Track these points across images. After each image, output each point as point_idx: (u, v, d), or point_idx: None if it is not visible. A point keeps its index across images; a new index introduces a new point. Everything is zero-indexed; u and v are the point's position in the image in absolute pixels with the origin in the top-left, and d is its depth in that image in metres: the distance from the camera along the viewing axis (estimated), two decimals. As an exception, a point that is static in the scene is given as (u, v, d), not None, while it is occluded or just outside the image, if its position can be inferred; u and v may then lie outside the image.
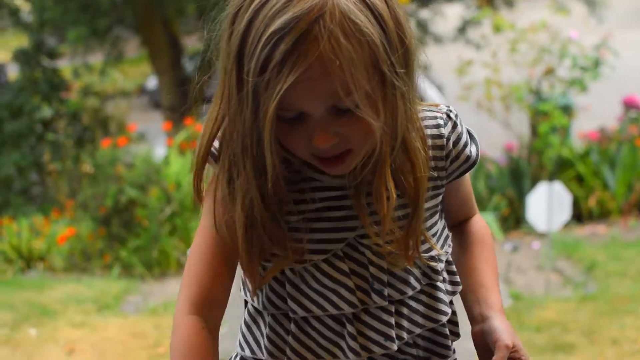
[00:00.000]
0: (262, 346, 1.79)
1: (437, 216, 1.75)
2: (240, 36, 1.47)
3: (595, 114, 10.27)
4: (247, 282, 1.71)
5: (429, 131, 1.68)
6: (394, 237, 1.62)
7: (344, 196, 1.67)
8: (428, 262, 1.70)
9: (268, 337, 1.78)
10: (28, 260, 8.34)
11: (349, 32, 1.42)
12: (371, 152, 1.55)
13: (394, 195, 1.56)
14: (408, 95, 1.55)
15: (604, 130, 9.45)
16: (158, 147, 10.56)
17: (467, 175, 1.80)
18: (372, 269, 1.69)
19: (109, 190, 8.11)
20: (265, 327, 1.79)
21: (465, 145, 1.72)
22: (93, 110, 11.82)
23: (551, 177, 8.63)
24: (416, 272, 1.73)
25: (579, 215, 8.42)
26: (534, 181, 8.78)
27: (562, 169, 8.92)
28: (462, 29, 14.83)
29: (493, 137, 9.43)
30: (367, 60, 1.44)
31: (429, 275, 1.74)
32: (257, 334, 1.82)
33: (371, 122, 1.47)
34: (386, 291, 1.70)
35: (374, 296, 1.69)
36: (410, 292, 1.73)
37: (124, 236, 8.05)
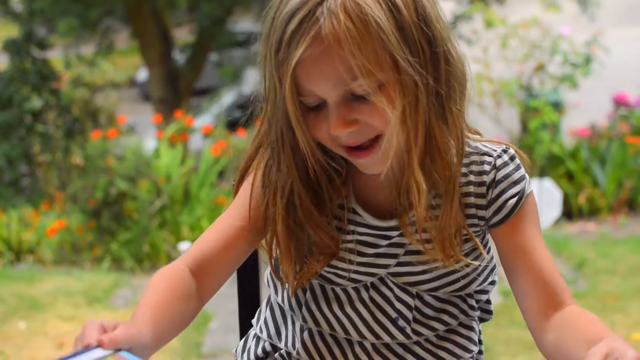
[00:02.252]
0: (283, 335, 1.81)
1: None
2: (267, 24, 1.54)
3: (585, 111, 10.28)
4: (286, 276, 1.69)
5: (472, 177, 1.65)
6: (430, 237, 1.61)
7: (382, 236, 1.67)
8: (467, 261, 1.64)
9: (292, 328, 1.80)
10: (17, 252, 8.31)
11: (352, 13, 1.44)
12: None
13: (424, 187, 1.54)
14: (436, 92, 1.53)
15: (594, 127, 9.46)
16: (148, 139, 10.55)
17: (523, 230, 1.65)
18: (397, 304, 1.69)
19: (98, 183, 8.09)
20: (290, 317, 1.82)
21: (504, 192, 1.65)
22: (83, 101, 11.78)
23: (541, 174, 8.65)
24: (451, 309, 1.72)
25: (569, 212, 8.43)
26: (524, 177, 8.78)
27: (552, 166, 8.92)
28: (453, 24, 14.80)
29: (483, 133, 9.39)
30: (374, 43, 1.45)
31: (465, 311, 1.74)
32: (280, 321, 1.84)
33: (386, 110, 1.47)
34: (409, 329, 1.70)
35: (394, 331, 1.70)
36: (442, 329, 1.73)
37: (114, 229, 8.03)
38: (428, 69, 1.51)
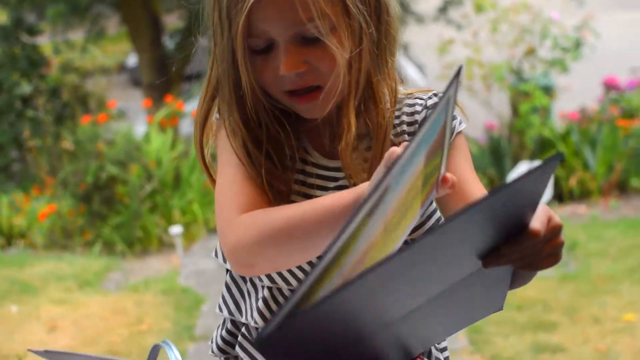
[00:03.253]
0: (243, 309, 1.81)
1: None
2: None
3: (576, 95, 10.29)
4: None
5: (405, 117, 1.73)
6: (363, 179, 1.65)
7: (330, 177, 1.71)
8: None
9: (249, 300, 1.80)
10: (8, 237, 8.31)
11: None
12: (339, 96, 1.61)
13: (354, 129, 1.61)
14: (377, 42, 1.63)
15: (584, 110, 9.47)
16: (138, 124, 10.54)
17: (457, 163, 1.70)
18: None
19: (89, 167, 8.08)
20: (245, 289, 1.82)
21: None
22: (73, 86, 11.74)
23: (532, 157, 8.66)
24: None
25: (560, 195, 8.44)
26: (515, 161, 8.80)
27: (542, 149, 8.94)
28: (443, 9, 14.78)
29: (473, 117, 9.39)
30: None
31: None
32: (237, 296, 1.84)
33: (335, 50, 1.54)
34: None
35: None
36: None
37: (105, 213, 8.03)
38: (372, 18, 1.60)
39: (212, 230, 8.10)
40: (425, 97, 1.75)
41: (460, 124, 1.73)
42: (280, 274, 1.72)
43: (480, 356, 4.91)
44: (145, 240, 7.87)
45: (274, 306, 1.76)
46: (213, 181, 1.75)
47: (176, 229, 7.31)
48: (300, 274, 1.72)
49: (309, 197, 1.67)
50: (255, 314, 1.77)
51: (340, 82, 1.57)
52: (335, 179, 1.70)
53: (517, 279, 1.49)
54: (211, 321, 5.65)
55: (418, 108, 1.73)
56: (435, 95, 1.75)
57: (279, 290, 1.75)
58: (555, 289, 5.86)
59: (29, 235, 8.29)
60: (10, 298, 6.26)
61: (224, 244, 1.56)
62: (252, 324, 1.78)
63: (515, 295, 5.71)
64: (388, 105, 1.67)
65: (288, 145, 1.67)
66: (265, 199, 1.62)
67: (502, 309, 1.56)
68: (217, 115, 1.73)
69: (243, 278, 1.83)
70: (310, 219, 1.45)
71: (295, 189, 1.69)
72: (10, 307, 6.07)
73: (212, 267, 6.95)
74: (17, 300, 6.21)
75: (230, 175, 1.65)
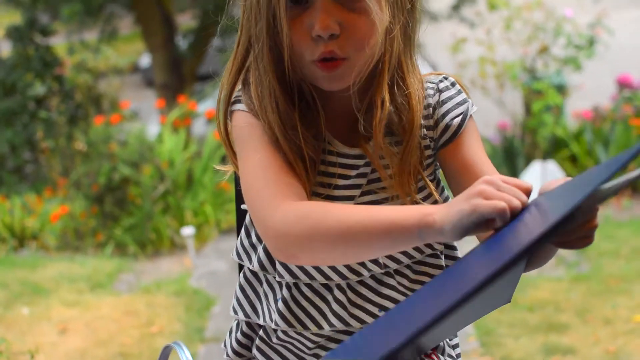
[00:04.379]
0: (259, 311, 1.80)
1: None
2: None
3: (589, 93, 10.26)
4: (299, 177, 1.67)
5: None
6: (392, 172, 1.67)
7: (351, 166, 1.70)
8: (421, 202, 1.71)
9: (266, 302, 1.80)
10: (21, 238, 8.33)
11: None
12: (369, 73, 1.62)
13: (388, 104, 1.63)
14: (409, 26, 1.66)
15: (597, 109, 9.43)
16: (151, 125, 10.54)
17: (469, 145, 1.75)
18: None
19: (102, 168, 8.09)
20: (262, 291, 1.81)
21: (449, 112, 1.74)
22: (86, 87, 11.76)
23: (545, 156, 8.63)
24: None
25: (572, 195, 8.39)
26: (528, 160, 8.78)
27: (555, 148, 8.91)
28: (456, 7, 14.75)
29: (487, 116, 9.40)
30: None
31: (431, 244, 1.75)
32: (253, 297, 1.84)
33: (375, 14, 1.55)
34: (381, 259, 1.72)
35: (370, 264, 1.71)
36: (406, 261, 1.74)
37: (117, 214, 8.04)
38: (411, 13, 1.66)
39: (224, 232, 8.09)
40: (436, 80, 1.76)
41: (472, 106, 1.76)
42: (302, 269, 1.72)
43: (491, 358, 4.89)
44: (157, 241, 7.87)
45: (294, 307, 1.76)
46: (235, 159, 1.73)
47: (188, 230, 7.31)
48: (326, 268, 1.71)
49: (329, 186, 1.69)
50: (275, 316, 1.76)
51: (372, 55, 1.58)
52: (357, 167, 1.70)
53: (535, 262, 1.53)
54: (222, 323, 5.65)
55: (430, 92, 1.74)
56: (446, 78, 1.76)
57: (299, 290, 1.75)
58: (566, 289, 5.83)
59: (41, 237, 8.31)
60: (22, 300, 6.27)
61: (267, 227, 1.52)
62: (273, 325, 1.77)
63: (527, 297, 5.69)
64: (420, 95, 1.69)
65: (315, 112, 1.67)
66: (302, 184, 1.61)
67: (510, 302, 1.56)
68: (236, 104, 1.71)
69: (258, 279, 1.83)
70: (374, 230, 1.40)
71: (317, 180, 1.69)
72: (21, 308, 6.08)
73: (223, 268, 6.94)
74: (29, 301, 6.22)
75: (264, 159, 1.62)
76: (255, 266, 1.78)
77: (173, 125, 8.96)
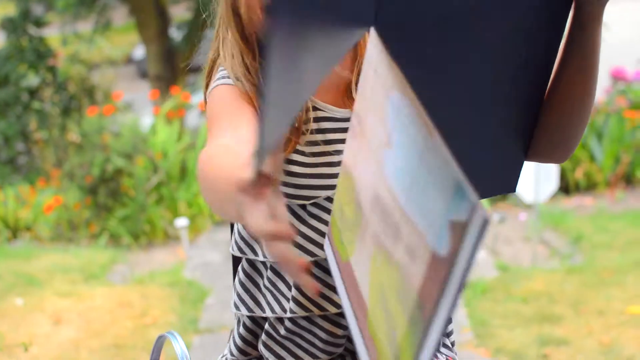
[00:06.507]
0: (263, 303, 1.79)
1: None
2: None
3: (583, 86, 10.24)
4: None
5: None
6: None
7: (345, 129, 1.66)
8: None
9: (270, 293, 1.78)
10: (14, 229, 8.32)
11: None
12: None
13: None
14: None
15: (591, 101, 9.43)
16: (145, 116, 10.52)
17: None
18: None
19: (95, 160, 8.07)
20: (264, 283, 1.79)
21: None
22: (79, 78, 11.74)
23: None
24: None
25: (566, 187, 8.42)
26: (522, 152, 8.77)
27: (549, 141, 8.90)
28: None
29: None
30: None
31: None
32: (254, 290, 1.82)
33: None
34: None
35: None
36: None
37: (111, 206, 8.03)
38: None
39: (218, 223, 8.09)
40: None
41: None
42: (306, 250, 1.70)
43: (485, 349, 4.90)
44: (150, 232, 7.87)
45: (280, 285, 1.75)
46: None
47: (182, 222, 7.30)
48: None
49: (330, 154, 1.66)
50: (290, 304, 1.74)
51: None
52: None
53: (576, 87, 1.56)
54: (216, 314, 5.64)
55: None
56: None
57: (310, 272, 1.72)
58: (560, 281, 5.84)
59: (34, 228, 8.30)
60: (16, 291, 6.26)
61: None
62: (288, 314, 1.75)
63: (521, 288, 5.70)
64: None
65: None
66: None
67: (514, 191, 1.55)
68: (218, 81, 1.69)
69: (258, 271, 1.81)
70: (212, 186, 1.26)
71: (318, 150, 1.67)
72: (15, 299, 6.07)
73: (217, 259, 6.94)
74: (23, 292, 6.21)
75: (227, 98, 1.61)
76: (262, 256, 1.76)
77: (167, 116, 8.95)
